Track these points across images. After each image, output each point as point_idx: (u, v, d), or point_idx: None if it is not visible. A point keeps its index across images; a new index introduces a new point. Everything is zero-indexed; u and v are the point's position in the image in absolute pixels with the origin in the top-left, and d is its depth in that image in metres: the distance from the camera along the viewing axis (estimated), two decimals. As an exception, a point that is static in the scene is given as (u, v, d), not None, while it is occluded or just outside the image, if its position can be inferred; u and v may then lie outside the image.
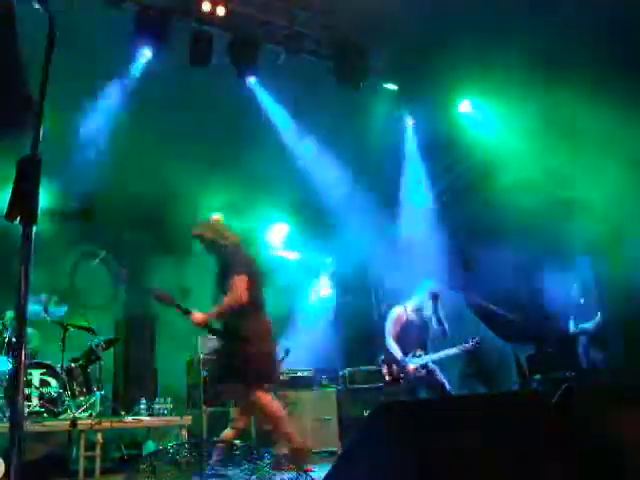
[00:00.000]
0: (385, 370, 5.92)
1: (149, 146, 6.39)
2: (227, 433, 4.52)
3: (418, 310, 5.92)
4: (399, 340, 5.87)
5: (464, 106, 7.57)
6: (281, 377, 7.40)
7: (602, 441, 1.74)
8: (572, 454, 1.69)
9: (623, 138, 5.70)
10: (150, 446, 6.24)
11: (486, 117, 7.50)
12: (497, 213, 6.81)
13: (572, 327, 6.38)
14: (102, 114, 6.66)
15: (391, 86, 7.21)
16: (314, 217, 8.70)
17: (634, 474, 1.71)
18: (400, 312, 5.96)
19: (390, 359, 5.87)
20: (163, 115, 6.40)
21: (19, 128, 1.51)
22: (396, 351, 5.78)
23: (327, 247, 9.45)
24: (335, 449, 6.98)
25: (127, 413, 6.22)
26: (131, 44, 6.13)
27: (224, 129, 7.01)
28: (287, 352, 6.46)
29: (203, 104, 6.51)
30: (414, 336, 5.89)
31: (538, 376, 6.77)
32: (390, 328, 5.90)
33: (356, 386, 7.67)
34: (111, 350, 7.24)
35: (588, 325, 6.18)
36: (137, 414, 6.13)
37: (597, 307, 6.25)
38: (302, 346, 7.60)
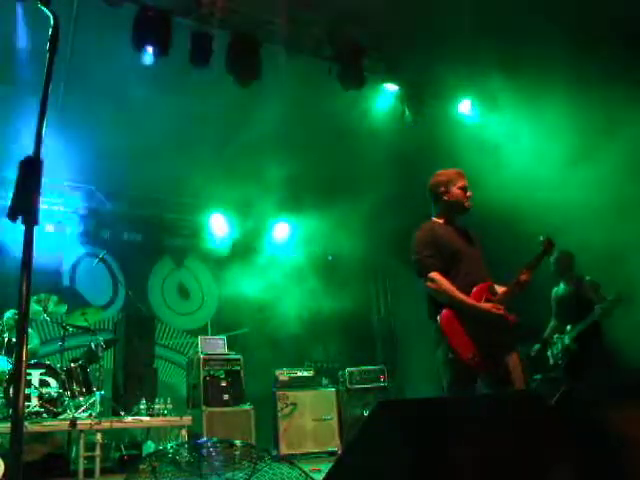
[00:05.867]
0: None
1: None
2: None
3: None
4: None
5: (464, 106, 7.56)
6: (282, 377, 7.43)
7: (602, 441, 1.74)
8: (572, 454, 1.69)
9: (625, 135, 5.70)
10: (150, 446, 6.24)
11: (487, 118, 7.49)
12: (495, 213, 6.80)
13: (568, 328, 6.35)
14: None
15: (391, 86, 7.20)
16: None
17: (634, 474, 1.72)
18: None
19: None
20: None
21: None
22: None
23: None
24: (335, 449, 6.98)
25: (127, 413, 6.22)
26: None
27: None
28: None
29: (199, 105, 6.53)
30: None
31: (538, 376, 6.76)
32: None
33: (356, 386, 7.67)
34: (111, 350, 7.25)
35: (581, 325, 6.14)
36: (137, 414, 6.13)
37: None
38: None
